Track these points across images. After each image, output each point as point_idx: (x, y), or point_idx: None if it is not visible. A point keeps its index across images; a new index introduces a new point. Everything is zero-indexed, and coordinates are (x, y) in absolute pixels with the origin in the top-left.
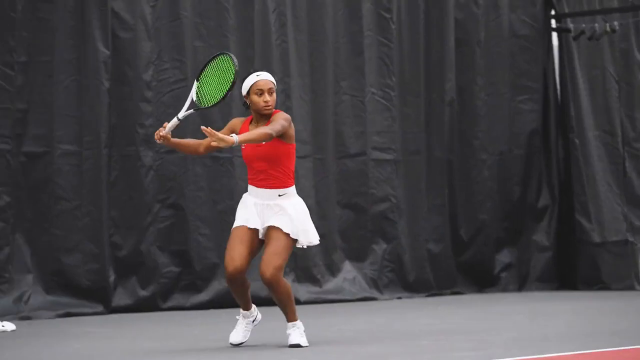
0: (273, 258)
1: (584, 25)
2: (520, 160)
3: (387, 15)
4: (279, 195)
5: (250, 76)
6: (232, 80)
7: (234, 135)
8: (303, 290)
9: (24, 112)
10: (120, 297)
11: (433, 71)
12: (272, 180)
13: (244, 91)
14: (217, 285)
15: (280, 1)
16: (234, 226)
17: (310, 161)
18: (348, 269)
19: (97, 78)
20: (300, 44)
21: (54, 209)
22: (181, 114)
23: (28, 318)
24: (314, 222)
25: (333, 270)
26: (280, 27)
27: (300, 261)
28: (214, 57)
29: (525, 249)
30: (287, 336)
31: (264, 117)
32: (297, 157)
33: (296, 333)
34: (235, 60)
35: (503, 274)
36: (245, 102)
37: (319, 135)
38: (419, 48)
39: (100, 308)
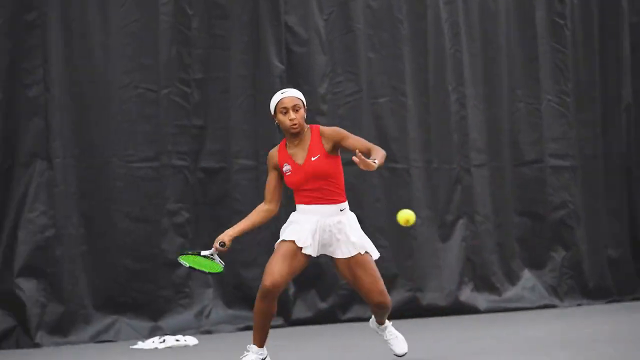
0: (375, 285)
1: None
2: None
3: (561, 22)
4: (341, 210)
5: (275, 95)
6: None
7: (375, 160)
8: (482, 299)
9: (200, 129)
10: (300, 310)
11: (609, 76)
12: (332, 196)
13: (271, 111)
14: (397, 296)
15: (453, 11)
16: (279, 240)
17: (487, 169)
18: (527, 277)
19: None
20: (474, 53)
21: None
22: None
23: (209, 332)
24: (492, 231)
25: (512, 278)
26: (453, 36)
27: (478, 270)
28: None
29: None
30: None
31: (296, 135)
32: (474, 165)
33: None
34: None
35: None
36: (276, 123)
37: (495, 143)
38: (594, 53)
39: (280, 321)
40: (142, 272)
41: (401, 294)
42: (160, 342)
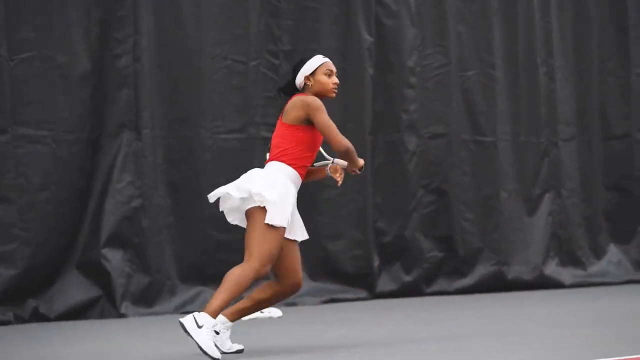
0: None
1: None
2: None
3: None
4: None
5: (316, 56)
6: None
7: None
8: (567, 274)
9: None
10: (384, 283)
11: None
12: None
13: (309, 70)
14: (482, 270)
15: None
16: (281, 222)
17: (575, 143)
18: (613, 252)
19: (362, 65)
20: (564, 24)
21: (319, 197)
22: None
23: (293, 304)
24: (579, 205)
25: (598, 252)
26: (543, 7)
27: (564, 244)
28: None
29: None
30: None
31: (327, 99)
32: (561, 139)
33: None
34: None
35: None
36: (284, 88)
37: (584, 117)
38: None
39: (364, 294)
40: (228, 243)
41: (486, 268)
42: None
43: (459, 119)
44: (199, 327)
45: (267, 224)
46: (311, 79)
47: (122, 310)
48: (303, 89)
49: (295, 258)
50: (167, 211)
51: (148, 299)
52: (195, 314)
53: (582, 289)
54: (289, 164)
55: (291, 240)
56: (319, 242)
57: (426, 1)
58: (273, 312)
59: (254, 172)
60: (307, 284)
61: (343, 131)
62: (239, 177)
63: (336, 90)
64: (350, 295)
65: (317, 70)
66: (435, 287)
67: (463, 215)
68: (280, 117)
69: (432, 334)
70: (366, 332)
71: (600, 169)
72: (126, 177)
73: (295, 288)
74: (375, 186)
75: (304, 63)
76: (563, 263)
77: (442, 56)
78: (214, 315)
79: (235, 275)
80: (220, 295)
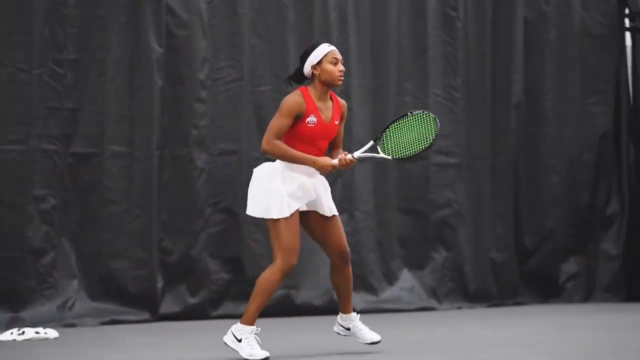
0: (344, 240)
1: None
2: (589, 165)
3: (453, 14)
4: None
5: (321, 45)
6: (430, 141)
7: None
8: (359, 299)
9: (73, 112)
10: (168, 305)
11: (500, 72)
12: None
13: (315, 60)
14: None
15: None
16: (284, 214)
17: (370, 164)
18: (406, 278)
19: (150, 77)
20: (362, 43)
21: (102, 213)
22: (357, 154)
23: (72, 325)
24: (372, 228)
25: (390, 278)
26: (341, 24)
27: (356, 269)
28: (413, 113)
29: (593, 258)
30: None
31: (327, 90)
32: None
33: None
34: (438, 124)
35: (568, 284)
36: (294, 76)
37: None
38: (486, 48)
39: (146, 315)
40: (5, 260)
41: (275, 292)
42: (19, 334)
43: (250, 136)
44: (239, 340)
45: (271, 221)
46: (318, 68)
47: None
48: (312, 78)
49: (337, 232)
50: None
51: None
52: (233, 328)
53: (373, 315)
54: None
55: (326, 217)
56: (101, 260)
57: (219, 12)
58: (49, 332)
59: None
60: (86, 304)
61: (130, 145)
62: (18, 190)
63: (342, 78)
64: (132, 317)
65: (323, 59)
66: (221, 310)
67: (253, 236)
68: None
69: (217, 358)
70: (146, 356)
71: (396, 192)
72: None
73: (343, 256)
74: (161, 203)
75: (310, 52)
76: (355, 288)
77: (234, 70)
78: (251, 323)
79: (264, 279)
80: (255, 300)
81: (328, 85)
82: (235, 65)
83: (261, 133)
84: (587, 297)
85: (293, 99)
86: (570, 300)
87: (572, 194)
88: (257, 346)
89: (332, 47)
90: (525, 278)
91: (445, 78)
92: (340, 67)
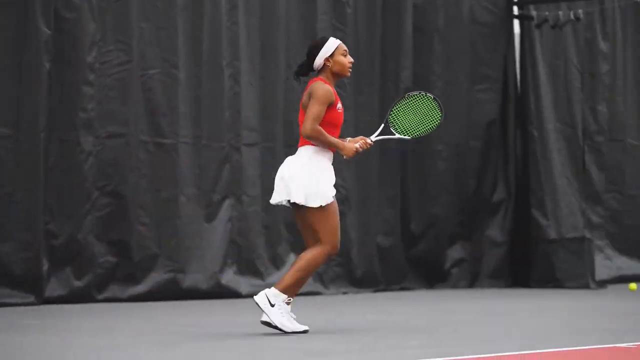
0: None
1: (547, 13)
2: (476, 152)
3: None
4: None
5: (331, 39)
6: (437, 124)
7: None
8: (245, 283)
9: None
10: (53, 288)
11: (389, 58)
12: None
13: (328, 52)
14: (157, 277)
15: None
16: (330, 201)
17: (258, 149)
18: (293, 262)
19: (38, 59)
20: (251, 27)
21: None
22: (373, 137)
23: None
24: (259, 213)
25: (277, 263)
26: (230, 9)
27: (243, 253)
28: (420, 94)
29: (478, 244)
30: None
31: (336, 80)
32: (244, 144)
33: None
34: (439, 102)
35: (454, 270)
36: (300, 70)
37: (268, 122)
38: (375, 34)
39: (31, 298)
40: None
41: (161, 275)
42: None
43: (139, 120)
44: (272, 305)
45: (319, 208)
46: (330, 60)
47: None
48: (321, 70)
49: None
50: None
51: None
52: (267, 291)
53: None
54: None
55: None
56: None
57: None
58: None
59: (293, 169)
60: None
61: (16, 128)
62: None
63: (351, 69)
64: (16, 300)
65: (335, 51)
66: (107, 294)
67: (140, 219)
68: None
69: (100, 342)
70: (30, 339)
71: None
72: None
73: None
74: (47, 186)
75: (322, 46)
76: (241, 272)
77: (123, 53)
78: (286, 293)
79: (310, 257)
80: (295, 275)
81: (339, 76)
82: (124, 48)
83: (150, 116)
84: (473, 282)
85: (325, 88)
86: (455, 285)
87: (459, 181)
88: (290, 318)
89: (339, 41)
90: (412, 263)
91: None
92: (350, 58)
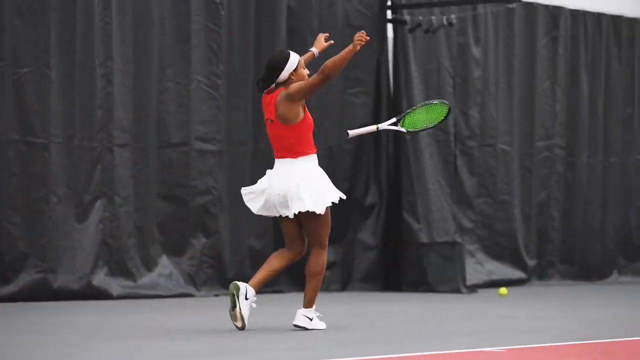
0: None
1: (420, 18)
2: (349, 155)
3: (217, 0)
4: None
5: (292, 54)
6: (438, 122)
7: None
8: (116, 285)
9: None
10: None
11: (263, 60)
12: None
13: (292, 67)
14: (26, 277)
15: None
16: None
17: (129, 150)
18: (165, 264)
19: None
20: (124, 27)
21: None
22: (382, 125)
23: None
24: (131, 214)
25: (149, 264)
26: (104, 8)
27: (115, 254)
28: (435, 103)
29: (350, 247)
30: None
31: None
32: (116, 145)
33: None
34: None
35: (326, 273)
36: (263, 84)
37: (141, 123)
38: (249, 35)
39: None
40: None
41: (31, 275)
42: None
43: (9, 118)
44: (311, 319)
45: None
46: (294, 73)
47: None
48: (284, 83)
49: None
50: None
51: None
52: (301, 312)
53: (130, 301)
54: (313, 152)
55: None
56: None
57: None
58: None
59: (299, 181)
60: None
61: None
62: None
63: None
64: None
65: (298, 65)
66: None
67: (9, 219)
68: (272, 120)
69: None
70: None
71: (156, 177)
72: None
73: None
74: None
75: (285, 61)
76: (112, 273)
77: None
78: (312, 305)
79: (315, 264)
80: (311, 284)
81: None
82: None
83: (21, 115)
84: (344, 286)
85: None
86: (327, 289)
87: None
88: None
89: (298, 55)
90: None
91: (209, 65)
92: (307, 70)
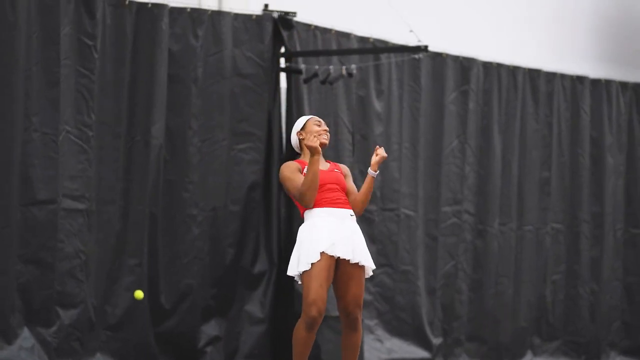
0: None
1: (317, 67)
2: (236, 217)
3: (90, 42)
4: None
5: (300, 118)
6: None
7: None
8: None
9: None
10: None
11: (139, 110)
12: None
13: (298, 128)
14: None
15: None
16: (314, 260)
17: None
18: (26, 336)
19: None
20: None
21: None
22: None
23: None
24: None
25: (9, 336)
26: None
27: None
28: None
29: (236, 320)
30: None
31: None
32: None
33: None
34: None
35: (208, 348)
36: (290, 157)
37: (1, 177)
38: (124, 82)
39: None
40: None
41: None
42: None
43: None
44: None
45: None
46: (302, 133)
47: None
48: (300, 147)
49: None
50: None
51: None
52: None
53: None
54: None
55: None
56: None
57: None
58: None
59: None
60: None
61: None
62: None
63: (324, 138)
64: None
65: (306, 124)
66: None
67: None
68: None
69: None
70: None
71: (18, 239)
72: None
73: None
74: None
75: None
76: None
77: None
78: None
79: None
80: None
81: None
82: None
83: None
84: None
85: (281, 171)
86: None
87: (215, 249)
88: None
89: (310, 116)
90: (161, 340)
91: (78, 114)
92: (324, 126)
